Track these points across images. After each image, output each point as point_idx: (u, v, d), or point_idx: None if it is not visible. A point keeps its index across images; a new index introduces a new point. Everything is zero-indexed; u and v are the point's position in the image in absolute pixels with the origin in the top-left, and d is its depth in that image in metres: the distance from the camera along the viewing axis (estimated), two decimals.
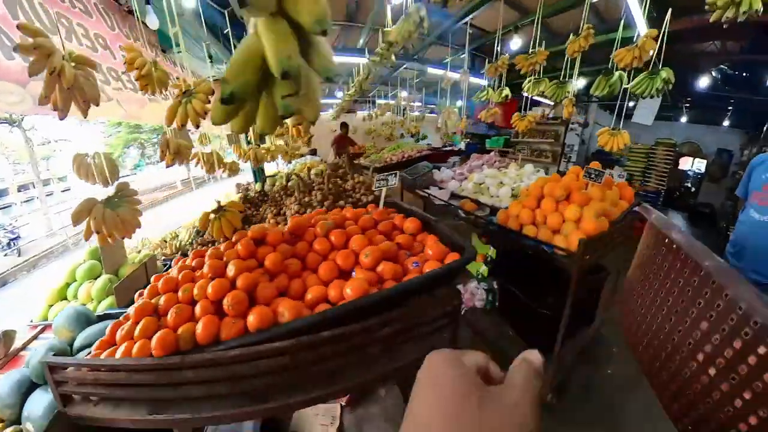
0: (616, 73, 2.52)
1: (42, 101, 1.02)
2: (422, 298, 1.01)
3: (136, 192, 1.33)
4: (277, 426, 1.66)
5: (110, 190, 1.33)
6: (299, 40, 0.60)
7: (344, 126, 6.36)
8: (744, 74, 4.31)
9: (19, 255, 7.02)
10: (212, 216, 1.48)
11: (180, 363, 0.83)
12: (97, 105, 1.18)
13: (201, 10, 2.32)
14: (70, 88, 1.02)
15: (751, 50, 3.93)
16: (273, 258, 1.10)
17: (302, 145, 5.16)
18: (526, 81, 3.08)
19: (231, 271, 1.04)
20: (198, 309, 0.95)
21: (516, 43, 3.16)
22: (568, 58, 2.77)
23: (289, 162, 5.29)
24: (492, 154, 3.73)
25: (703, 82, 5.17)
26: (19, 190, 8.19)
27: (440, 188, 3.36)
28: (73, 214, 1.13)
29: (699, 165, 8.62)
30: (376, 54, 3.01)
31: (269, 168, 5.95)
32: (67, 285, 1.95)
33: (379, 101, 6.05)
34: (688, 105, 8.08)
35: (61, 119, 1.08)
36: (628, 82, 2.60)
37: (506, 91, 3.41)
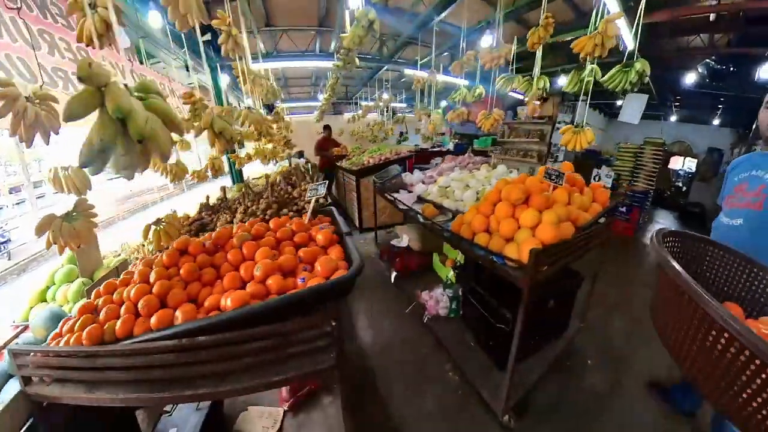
0: (588, 66, 2.30)
1: (11, 134, 1.20)
2: (304, 316, 1.02)
3: (92, 206, 1.42)
4: (221, 423, 1.71)
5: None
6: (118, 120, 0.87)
7: (327, 128, 6.17)
8: (731, 68, 4.06)
9: (9, 259, 6.86)
10: (152, 228, 1.59)
11: (97, 352, 0.99)
12: (57, 134, 1.30)
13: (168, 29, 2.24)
14: (31, 124, 1.19)
15: (739, 44, 3.69)
16: (188, 267, 1.22)
17: (281, 149, 5.01)
18: (498, 78, 2.86)
19: (152, 277, 1.19)
20: (122, 309, 1.13)
21: (487, 40, 2.95)
22: (539, 53, 2.55)
23: (269, 163, 5.11)
24: (467, 155, 3.51)
25: (690, 78, 4.91)
26: (10, 192, 8.03)
27: (409, 191, 3.16)
28: (36, 227, 1.25)
29: (689, 164, 8.37)
30: (338, 59, 2.85)
31: (262, 170, 5.76)
32: (47, 288, 2.01)
33: (363, 103, 5.84)
34: (677, 104, 7.83)
35: (28, 147, 1.27)
36: (602, 76, 2.39)
37: (479, 90, 3.19)
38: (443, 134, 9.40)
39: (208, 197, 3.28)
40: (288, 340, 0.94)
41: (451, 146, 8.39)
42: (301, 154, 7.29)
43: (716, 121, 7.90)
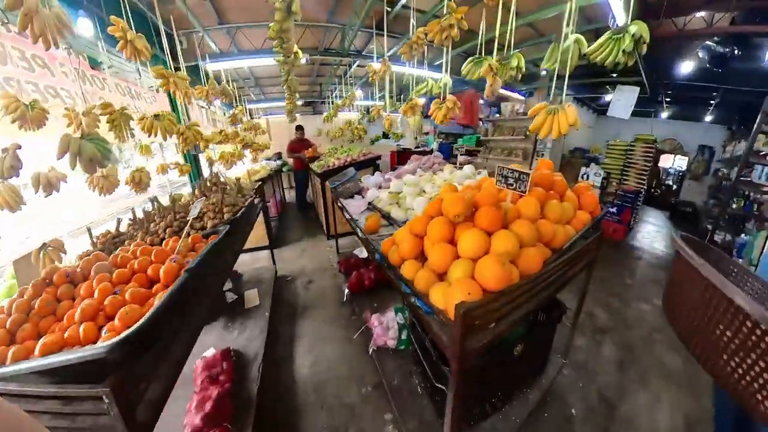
0: (572, 37, 1.76)
1: None
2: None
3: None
4: None
5: None
6: None
7: (299, 129, 5.62)
8: (735, 51, 3.45)
9: None
10: (38, 253, 1.48)
11: None
12: None
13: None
14: None
15: (745, 21, 3.10)
16: (44, 299, 1.04)
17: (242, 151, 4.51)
18: (467, 62, 2.30)
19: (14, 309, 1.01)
20: None
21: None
22: (510, 33, 1.99)
23: (231, 167, 4.58)
24: (433, 155, 2.97)
25: (687, 66, 4.30)
26: None
27: (363, 197, 2.61)
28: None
29: (680, 162, 7.81)
30: (277, 53, 2.33)
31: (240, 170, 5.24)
32: None
33: (337, 101, 5.29)
34: (669, 99, 7.27)
35: None
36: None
37: (445, 79, 2.62)
38: (427, 134, 8.84)
39: (133, 210, 2.73)
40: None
41: (435, 146, 7.84)
42: (279, 156, 6.75)
43: (708, 118, 7.34)
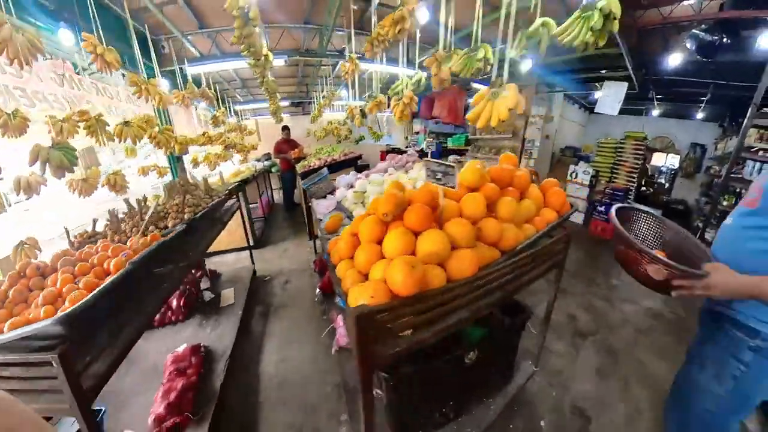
0: (539, 20, 1.65)
1: None
2: None
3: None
4: None
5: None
6: None
7: (285, 129, 5.53)
8: (724, 38, 3.26)
9: None
10: (16, 249, 1.55)
11: None
12: None
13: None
14: None
15: (735, 6, 2.94)
16: (16, 289, 1.12)
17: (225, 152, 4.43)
18: (432, 57, 2.19)
19: None
20: None
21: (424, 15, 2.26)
22: (478, 24, 1.89)
23: (215, 168, 4.51)
24: (408, 153, 2.86)
25: (675, 59, 4.13)
26: None
27: (335, 197, 2.51)
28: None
29: (672, 160, 7.67)
30: (247, 57, 2.27)
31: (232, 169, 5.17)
32: None
33: (321, 101, 5.19)
34: (660, 96, 7.12)
35: None
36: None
37: (418, 76, 2.51)
38: (418, 133, 8.72)
39: (110, 210, 2.66)
40: None
41: (424, 145, 7.72)
42: (268, 157, 6.67)
43: (700, 116, 7.19)
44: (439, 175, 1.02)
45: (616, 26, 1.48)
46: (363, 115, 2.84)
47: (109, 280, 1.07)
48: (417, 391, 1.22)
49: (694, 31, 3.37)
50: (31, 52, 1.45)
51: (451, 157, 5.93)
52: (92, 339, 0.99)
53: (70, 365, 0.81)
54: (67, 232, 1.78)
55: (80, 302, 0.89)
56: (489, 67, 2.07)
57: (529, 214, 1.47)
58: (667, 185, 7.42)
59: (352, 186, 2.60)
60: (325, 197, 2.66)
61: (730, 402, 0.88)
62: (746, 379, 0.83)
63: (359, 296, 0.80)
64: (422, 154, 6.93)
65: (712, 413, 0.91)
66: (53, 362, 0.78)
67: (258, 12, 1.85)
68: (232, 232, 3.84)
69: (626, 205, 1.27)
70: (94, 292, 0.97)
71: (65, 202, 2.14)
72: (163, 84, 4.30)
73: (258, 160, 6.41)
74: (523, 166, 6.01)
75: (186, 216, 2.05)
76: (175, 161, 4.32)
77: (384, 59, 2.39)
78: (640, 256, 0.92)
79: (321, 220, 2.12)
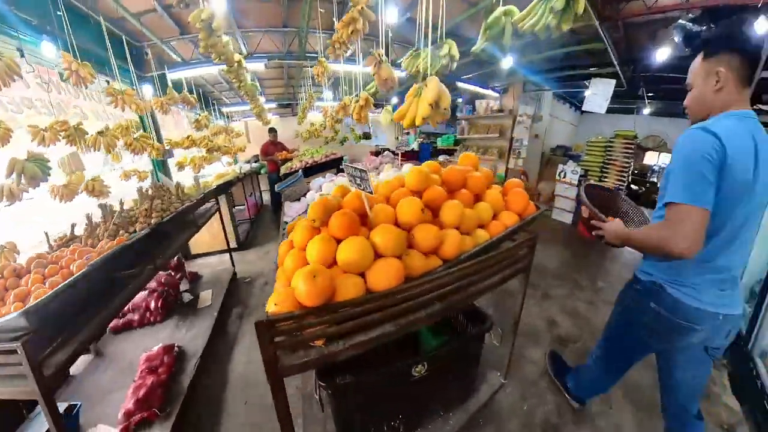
0: (499, 9, 1.62)
1: None
2: None
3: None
4: None
5: None
6: None
7: (272, 131, 5.52)
8: (711, 28, 3.16)
9: None
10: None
11: None
12: None
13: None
14: None
15: None
16: None
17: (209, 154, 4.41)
18: (407, 55, 2.17)
19: None
20: None
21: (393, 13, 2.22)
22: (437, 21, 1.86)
23: (199, 171, 4.50)
24: (383, 155, 2.84)
25: (662, 53, 4.05)
26: None
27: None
28: None
29: (665, 159, 7.62)
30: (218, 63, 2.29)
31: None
32: None
33: (304, 103, 5.18)
34: (651, 94, 7.06)
35: None
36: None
37: (387, 72, 2.48)
38: (408, 133, 8.68)
39: (87, 215, 2.65)
40: None
41: (415, 146, 7.70)
42: (256, 159, 6.66)
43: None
44: (358, 180, 0.99)
45: (581, 7, 1.43)
46: (337, 120, 2.82)
47: (68, 280, 1.17)
48: (359, 402, 1.19)
49: (680, 21, 3.25)
50: (8, 75, 1.64)
51: (441, 157, 5.90)
52: (55, 332, 1.10)
53: (32, 353, 0.90)
54: (47, 237, 1.86)
55: (41, 299, 1.00)
56: (455, 64, 2.04)
57: (483, 219, 1.43)
58: (659, 184, 7.36)
59: (320, 190, 2.59)
60: (299, 200, 2.65)
61: (623, 326, 1.32)
62: (629, 309, 1.26)
63: (269, 303, 0.79)
64: (413, 154, 6.91)
65: (619, 334, 1.36)
66: (18, 350, 0.87)
67: (221, 23, 1.86)
68: (215, 235, 3.84)
69: (596, 183, 1.59)
70: (55, 289, 1.07)
71: (59, 207, 2.19)
72: (145, 90, 4.32)
73: (248, 162, 6.41)
74: (512, 165, 5.92)
75: (153, 220, 2.06)
76: (160, 165, 4.31)
77: (361, 60, 2.36)
78: (580, 203, 1.28)
79: (285, 222, 2.11)
